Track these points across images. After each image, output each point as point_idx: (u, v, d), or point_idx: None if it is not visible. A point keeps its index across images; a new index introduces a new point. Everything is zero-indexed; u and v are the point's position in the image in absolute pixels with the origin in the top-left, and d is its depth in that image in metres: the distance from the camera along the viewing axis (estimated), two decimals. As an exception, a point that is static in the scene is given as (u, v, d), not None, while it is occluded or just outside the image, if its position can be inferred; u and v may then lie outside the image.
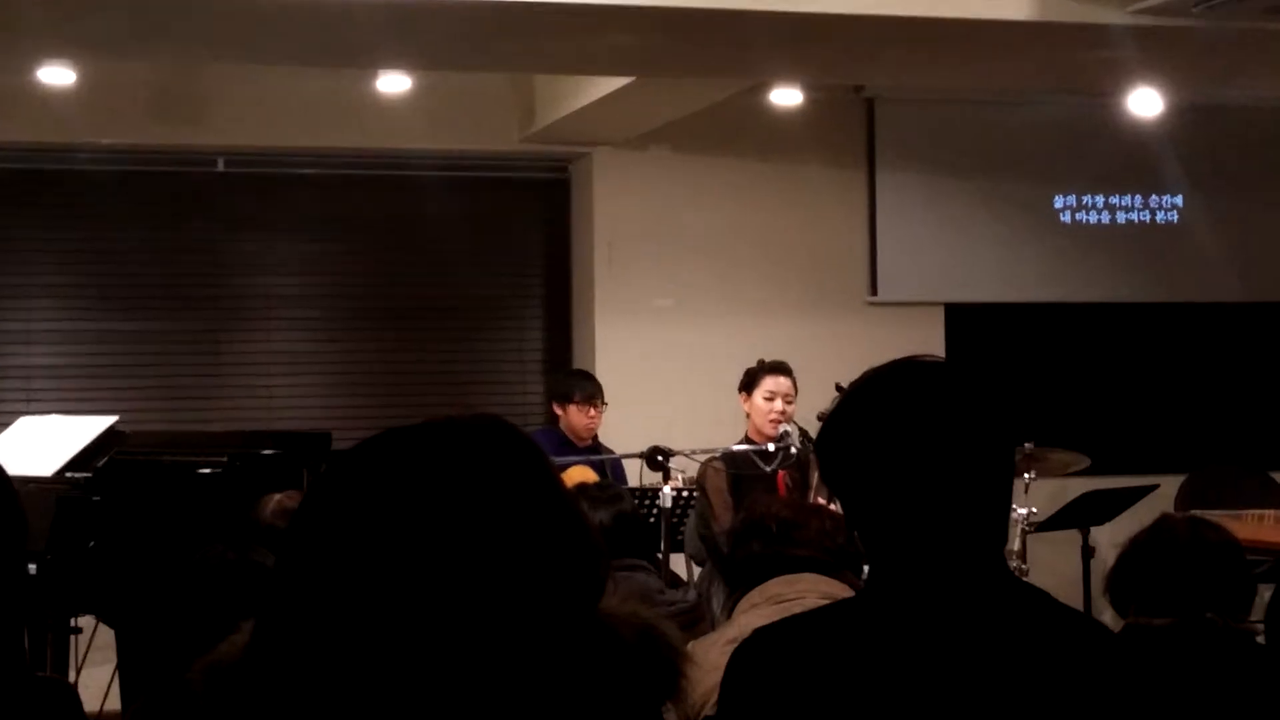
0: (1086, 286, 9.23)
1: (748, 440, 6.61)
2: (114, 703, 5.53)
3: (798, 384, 6.66)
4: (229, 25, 5.89)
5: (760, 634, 1.99)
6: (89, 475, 5.54)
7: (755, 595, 3.27)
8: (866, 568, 2.08)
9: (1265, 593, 3.67)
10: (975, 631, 1.89)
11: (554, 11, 5.65)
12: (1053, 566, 7.41)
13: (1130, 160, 9.16)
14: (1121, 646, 2.00)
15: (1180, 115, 8.67)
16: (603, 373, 7.76)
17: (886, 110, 8.97)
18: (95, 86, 7.66)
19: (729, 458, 6.50)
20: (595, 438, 7.36)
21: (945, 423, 1.94)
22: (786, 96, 8.16)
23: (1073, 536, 7.47)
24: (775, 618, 2.15)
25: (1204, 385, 9.45)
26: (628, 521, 4.45)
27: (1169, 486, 8.33)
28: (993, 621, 1.90)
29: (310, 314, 8.61)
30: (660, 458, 6.17)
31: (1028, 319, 9.27)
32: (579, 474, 6.46)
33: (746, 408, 6.68)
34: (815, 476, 6.23)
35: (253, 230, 8.55)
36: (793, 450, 6.45)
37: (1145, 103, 7.99)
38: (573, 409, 7.26)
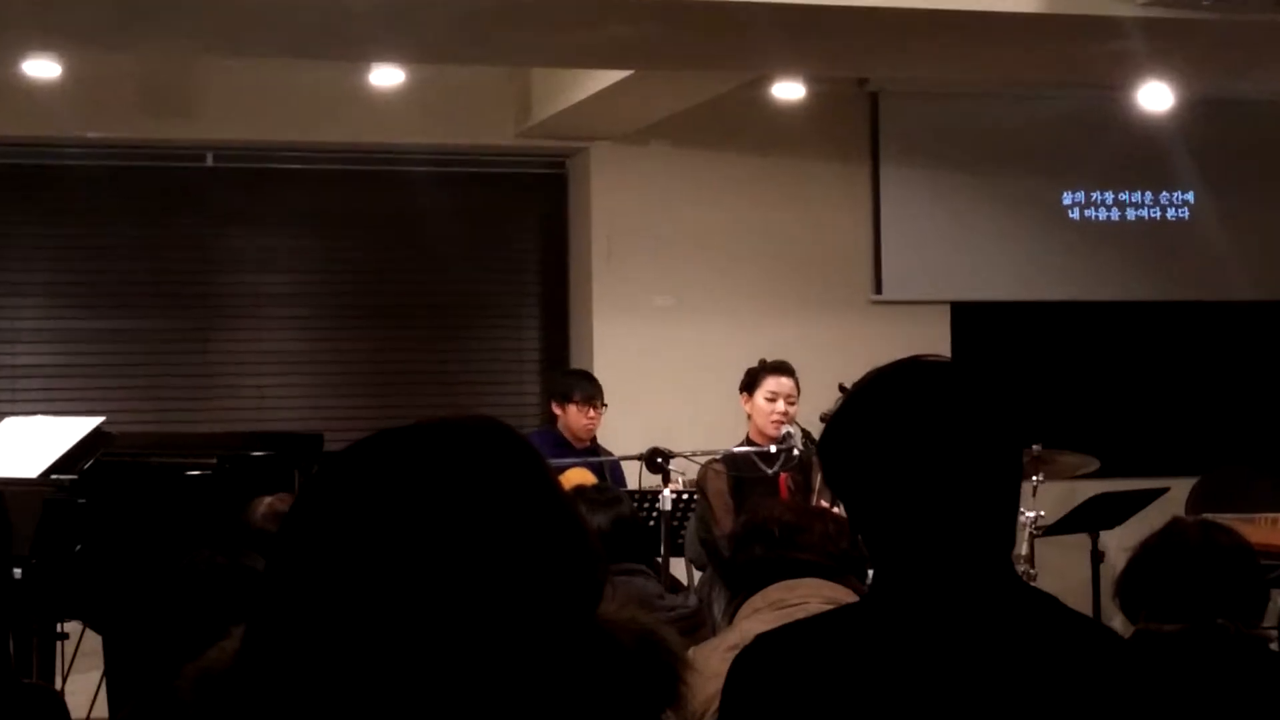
0: (1096, 285, 9.23)
1: (749, 442, 6.61)
2: (101, 710, 5.54)
3: (800, 384, 6.67)
4: (218, 16, 5.89)
5: (762, 640, 2.00)
6: (75, 477, 5.54)
7: (757, 600, 3.27)
8: (871, 572, 2.08)
9: (1279, 598, 3.67)
10: (982, 638, 1.89)
11: (551, 3, 5.65)
12: (1061, 571, 7.41)
13: (1140, 156, 9.16)
14: (1132, 653, 2.00)
15: (1192, 110, 8.67)
16: (601, 373, 7.76)
17: (891, 104, 8.98)
18: (81, 79, 7.65)
19: (730, 460, 6.50)
20: (594, 439, 7.36)
21: (951, 424, 1.94)
22: (789, 90, 8.17)
23: (1082, 540, 7.47)
24: (777, 623, 2.15)
25: (1216, 386, 9.45)
26: (627, 525, 4.45)
27: (1180, 489, 8.33)
28: (1000, 627, 1.91)
29: (301, 312, 8.61)
30: (660, 460, 6.17)
31: (1035, 318, 9.27)
32: (577, 476, 6.46)
33: (748, 409, 6.68)
34: (818, 479, 6.23)
35: (242, 226, 8.55)
36: (795, 452, 6.45)
37: (1156, 97, 7.99)
38: (572, 409, 7.26)
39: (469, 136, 8.57)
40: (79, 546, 5.35)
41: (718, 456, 6.49)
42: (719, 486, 6.43)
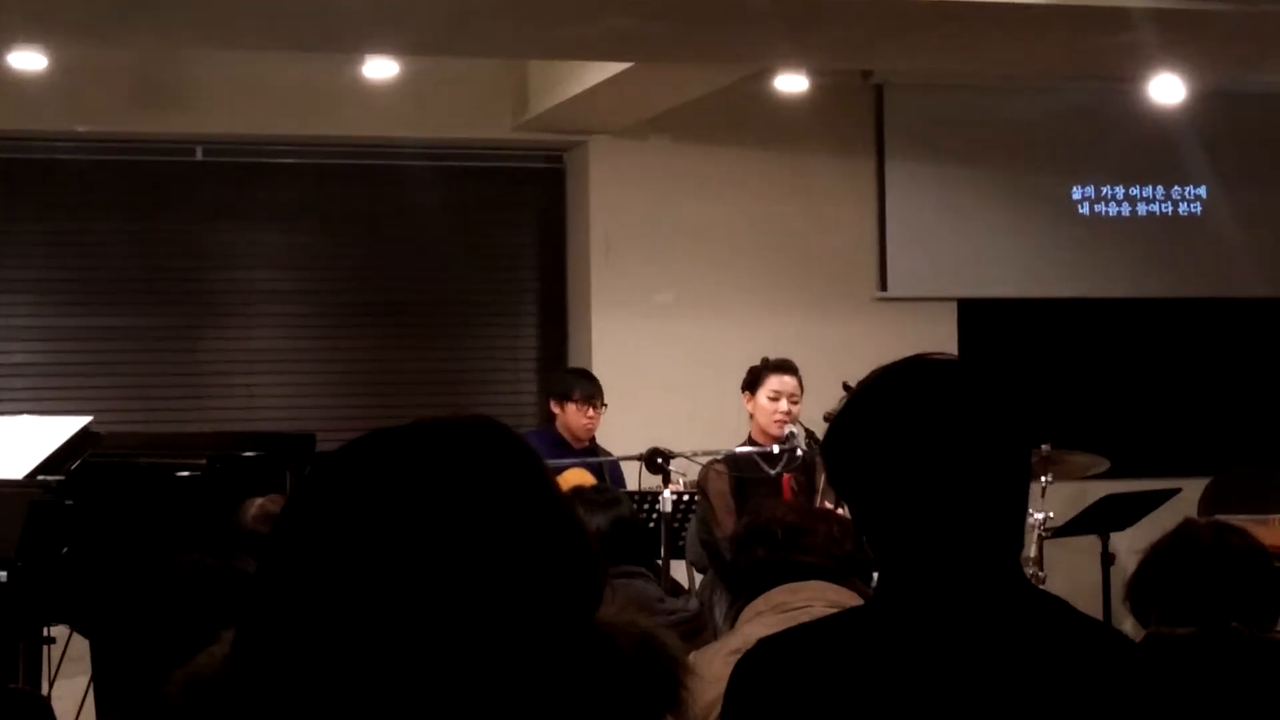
0: (1106, 281, 9.24)
1: (751, 442, 6.61)
2: (88, 716, 5.54)
3: (803, 383, 6.67)
4: (207, 7, 5.89)
5: (764, 644, 1.99)
6: (62, 478, 5.54)
7: (759, 604, 3.27)
8: (876, 575, 2.08)
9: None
10: (990, 642, 1.89)
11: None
12: (1071, 573, 7.41)
13: (1151, 149, 9.16)
14: (1143, 657, 2.00)
15: (1204, 102, 8.67)
16: (600, 371, 7.76)
17: (896, 96, 8.98)
18: (68, 72, 7.65)
19: (732, 460, 6.50)
20: (592, 439, 7.36)
21: (958, 424, 1.94)
22: (791, 82, 8.17)
23: (1092, 542, 7.47)
24: (780, 627, 2.15)
25: (1228, 384, 9.45)
26: (626, 527, 4.45)
27: (1192, 490, 8.32)
28: (1008, 631, 1.90)
29: (293, 309, 8.61)
30: (660, 460, 6.17)
31: (1044, 315, 9.27)
32: (575, 477, 6.46)
33: (750, 408, 6.68)
34: (822, 480, 6.24)
35: (233, 222, 8.55)
36: (798, 452, 6.46)
37: (1167, 89, 7.99)
38: (571, 408, 7.26)
39: (465, 130, 8.57)
40: (66, 549, 5.35)
41: (719, 457, 6.49)
42: (720, 487, 6.43)
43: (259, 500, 5.05)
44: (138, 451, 6.05)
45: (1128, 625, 3.89)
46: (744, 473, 6.51)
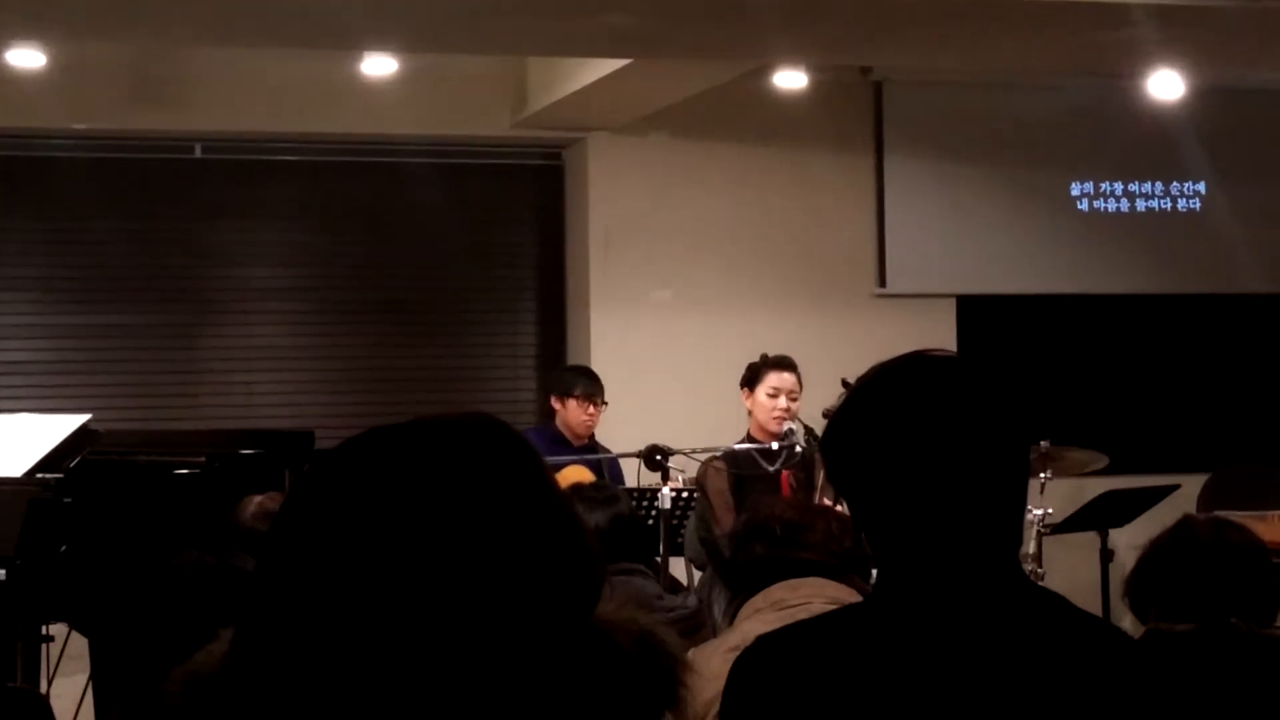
0: (1104, 277, 9.24)
1: (750, 439, 6.61)
2: (87, 715, 5.54)
3: (802, 380, 6.67)
4: (207, 3, 5.89)
5: (763, 641, 1.99)
6: (60, 476, 5.54)
7: (758, 600, 3.27)
8: (875, 572, 2.08)
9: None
10: (988, 639, 1.89)
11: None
12: (1070, 570, 7.41)
13: (1150, 146, 9.16)
14: (1142, 653, 2.00)
15: (1203, 98, 8.67)
16: (599, 367, 7.76)
17: (895, 93, 8.97)
18: (67, 69, 7.65)
19: (730, 457, 6.51)
20: (591, 436, 7.37)
21: (957, 420, 1.94)
22: (790, 79, 8.16)
23: (1091, 539, 7.47)
24: (779, 624, 2.15)
25: (1227, 380, 9.45)
26: (625, 524, 4.45)
27: (1191, 486, 8.33)
28: (1007, 628, 1.90)
29: (292, 307, 8.61)
30: (659, 457, 6.17)
31: (1043, 311, 9.27)
32: (574, 474, 6.46)
33: (749, 404, 6.68)
34: (821, 476, 6.24)
35: (232, 219, 8.55)
36: (797, 449, 6.46)
37: (1166, 85, 7.99)
38: (572, 404, 7.26)
39: (463, 127, 8.57)
40: (65, 547, 5.35)
41: (718, 454, 6.49)
42: (719, 484, 6.43)
43: (258, 498, 5.06)
44: (136, 449, 6.04)
45: (1127, 622, 3.89)
46: (743, 470, 6.51)
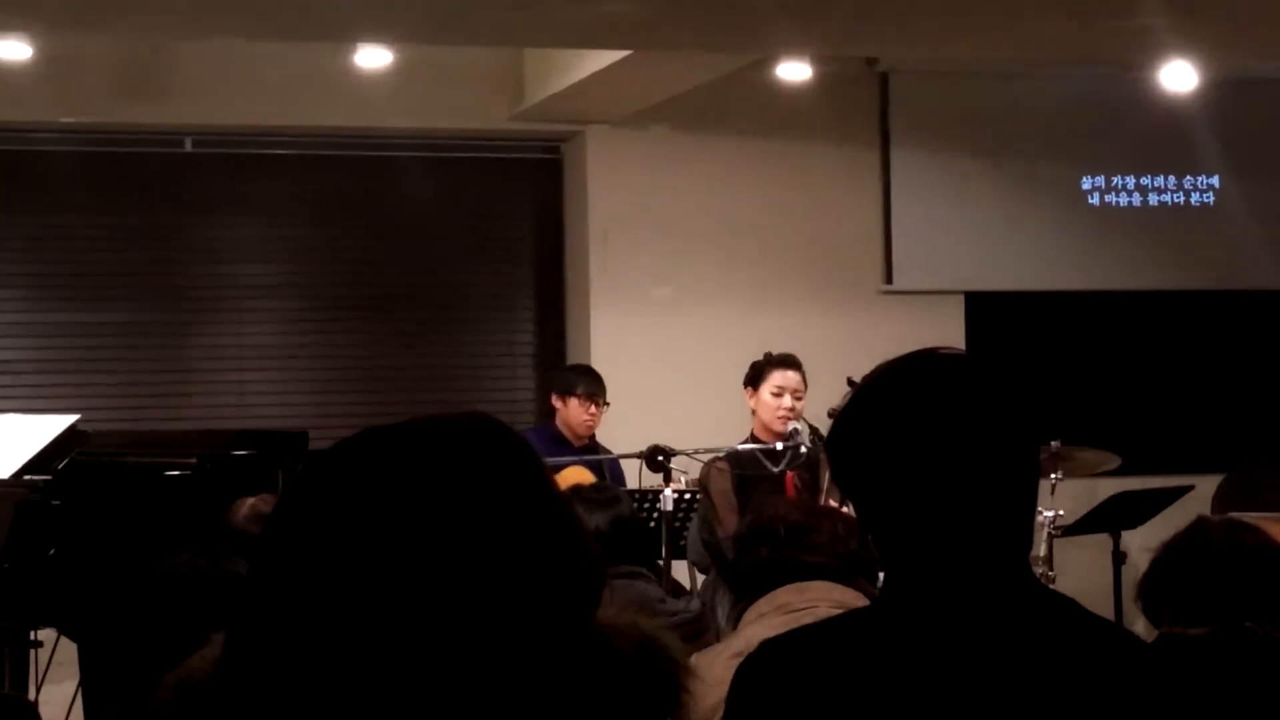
0: (1116, 273, 9.24)
1: (754, 439, 6.61)
2: (76, 721, 5.54)
3: (807, 378, 6.67)
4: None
5: (768, 646, 1.99)
6: (49, 478, 5.54)
7: (763, 604, 3.27)
8: (882, 575, 2.08)
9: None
10: (998, 643, 1.89)
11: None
12: (1081, 573, 7.42)
13: (1163, 138, 9.15)
14: (1155, 658, 2.00)
15: (1217, 90, 8.67)
16: (598, 367, 7.76)
17: (901, 84, 8.97)
18: (54, 61, 7.64)
19: (734, 458, 6.50)
20: (592, 437, 7.37)
21: (965, 420, 1.94)
22: (794, 70, 8.16)
23: (1103, 541, 7.48)
24: (784, 628, 2.15)
25: (1242, 379, 9.45)
26: (626, 526, 4.45)
27: (1205, 487, 8.32)
28: (1017, 632, 1.90)
29: (285, 304, 8.61)
30: (661, 458, 6.17)
31: (1053, 308, 9.27)
32: (574, 475, 6.46)
33: (752, 404, 6.68)
34: (826, 477, 6.24)
35: (223, 215, 8.55)
36: (802, 449, 6.45)
37: (1179, 77, 7.99)
38: (573, 403, 7.26)
39: (460, 120, 8.57)
40: (53, 550, 5.35)
41: (721, 454, 6.49)
42: (722, 485, 6.43)
43: (250, 500, 5.06)
44: (126, 450, 6.05)
45: (1139, 625, 3.89)
46: (746, 470, 6.51)
